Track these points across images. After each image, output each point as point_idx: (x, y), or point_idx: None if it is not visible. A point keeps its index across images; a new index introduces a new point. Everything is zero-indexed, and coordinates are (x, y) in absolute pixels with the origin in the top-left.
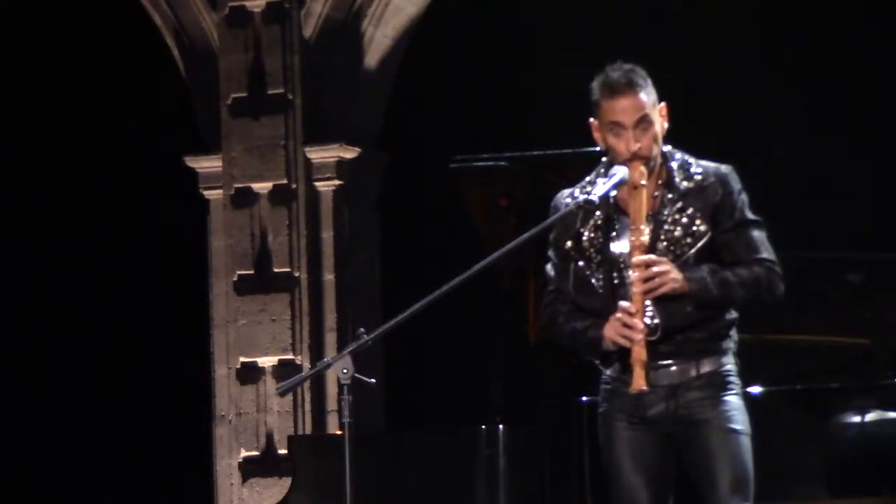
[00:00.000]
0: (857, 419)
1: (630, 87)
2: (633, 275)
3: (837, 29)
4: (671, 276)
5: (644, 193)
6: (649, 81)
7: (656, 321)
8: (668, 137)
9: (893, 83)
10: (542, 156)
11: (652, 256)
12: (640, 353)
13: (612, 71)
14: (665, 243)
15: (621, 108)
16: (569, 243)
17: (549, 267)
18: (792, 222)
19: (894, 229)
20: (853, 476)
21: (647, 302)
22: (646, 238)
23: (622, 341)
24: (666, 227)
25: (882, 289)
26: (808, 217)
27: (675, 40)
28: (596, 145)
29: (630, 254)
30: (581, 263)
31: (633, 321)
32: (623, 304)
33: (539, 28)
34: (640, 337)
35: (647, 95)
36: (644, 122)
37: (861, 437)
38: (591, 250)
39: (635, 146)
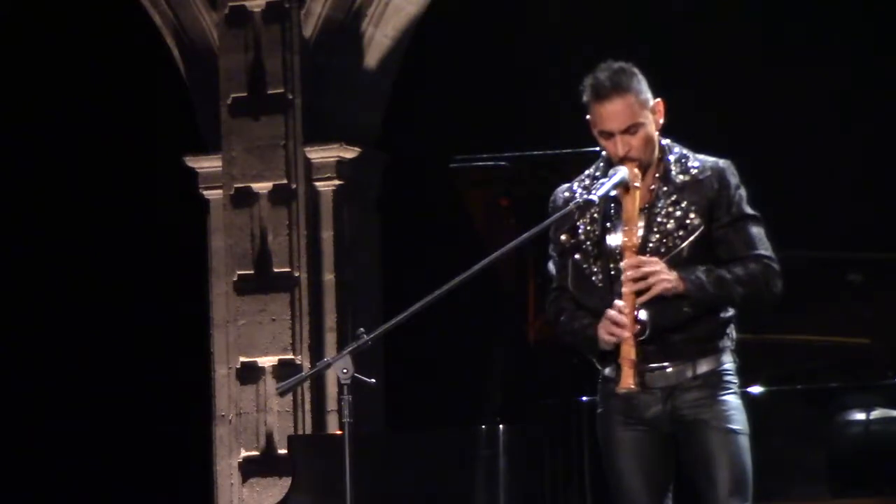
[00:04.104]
0: (857, 419)
1: (615, 91)
2: (623, 275)
3: (846, 26)
4: (663, 276)
5: (637, 195)
6: (639, 80)
7: (643, 318)
8: (669, 132)
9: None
10: (542, 156)
11: (643, 258)
12: (628, 352)
13: (600, 72)
14: (658, 236)
15: (607, 114)
16: (564, 236)
17: (550, 265)
18: (792, 222)
19: (894, 229)
20: (853, 476)
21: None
22: (637, 239)
23: (610, 339)
24: (659, 219)
25: (882, 289)
26: (808, 217)
27: (677, 38)
28: (596, 145)
29: (622, 254)
30: (578, 257)
31: (622, 319)
32: (616, 302)
33: (539, 27)
34: (627, 335)
35: (636, 96)
36: (632, 125)
37: (861, 436)
38: (588, 243)
39: (623, 151)
